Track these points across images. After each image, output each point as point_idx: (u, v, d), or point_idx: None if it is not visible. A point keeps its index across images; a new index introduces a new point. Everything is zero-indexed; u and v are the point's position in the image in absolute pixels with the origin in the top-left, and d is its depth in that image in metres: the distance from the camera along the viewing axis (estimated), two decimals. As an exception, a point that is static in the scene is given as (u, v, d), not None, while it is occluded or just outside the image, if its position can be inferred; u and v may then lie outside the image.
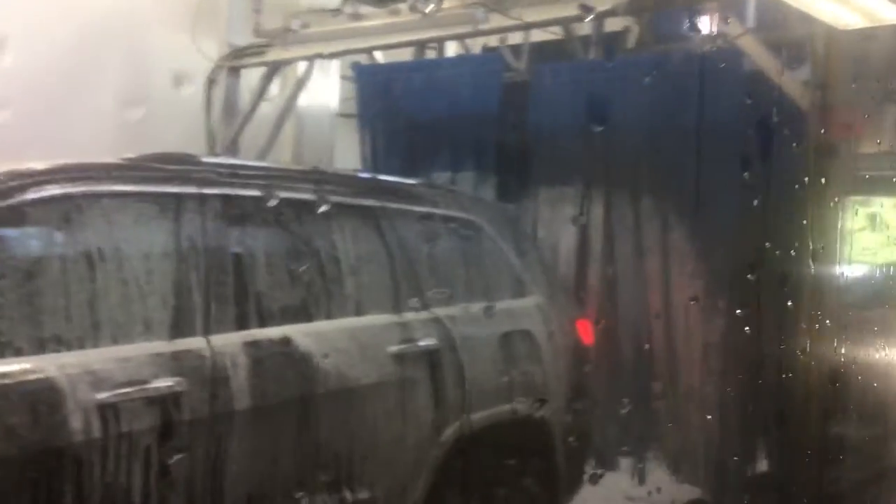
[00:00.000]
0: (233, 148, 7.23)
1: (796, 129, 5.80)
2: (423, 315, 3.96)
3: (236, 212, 3.46)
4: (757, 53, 5.88)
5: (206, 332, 3.27)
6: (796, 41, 5.88)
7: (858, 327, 5.86)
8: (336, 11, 7.09)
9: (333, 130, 7.78)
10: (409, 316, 3.90)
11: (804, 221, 5.66)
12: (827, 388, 5.55)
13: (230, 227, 3.42)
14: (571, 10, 6.13)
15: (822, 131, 5.62)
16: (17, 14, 6.17)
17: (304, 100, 7.43)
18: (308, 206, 3.70)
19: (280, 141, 7.45)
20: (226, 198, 3.44)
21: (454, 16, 6.41)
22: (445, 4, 6.44)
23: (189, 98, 7.21)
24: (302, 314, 3.56)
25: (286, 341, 3.43)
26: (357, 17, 6.91)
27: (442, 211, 4.27)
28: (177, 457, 3.11)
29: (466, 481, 4.04)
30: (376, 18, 6.80)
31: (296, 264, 3.58)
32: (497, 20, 6.27)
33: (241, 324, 3.37)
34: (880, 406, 5.84)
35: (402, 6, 6.66)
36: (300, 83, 7.30)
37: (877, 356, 5.83)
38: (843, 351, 5.61)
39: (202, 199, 3.37)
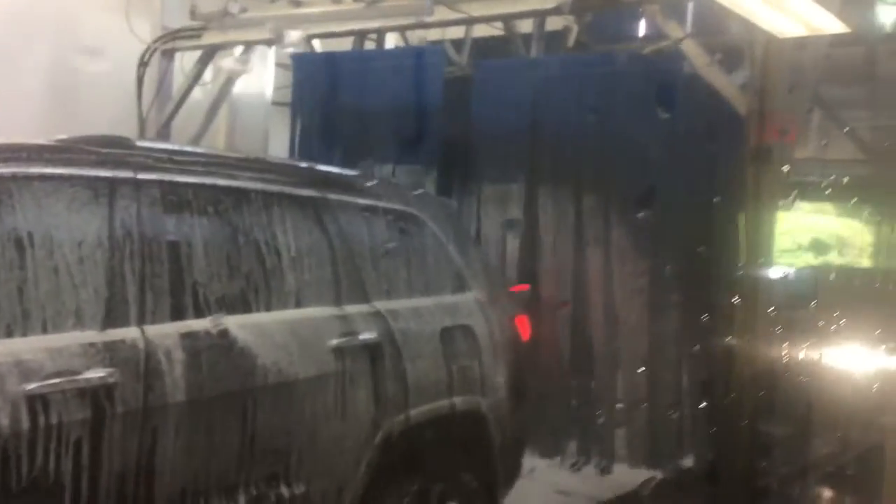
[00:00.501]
0: (164, 133, 7.07)
1: (734, 132, 5.88)
2: (364, 308, 3.87)
3: (172, 198, 3.32)
4: (697, 57, 5.93)
5: (141, 322, 3.14)
6: (735, 46, 5.95)
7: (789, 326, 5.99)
8: (274, -6, 6.95)
9: (267, 119, 7.64)
10: (350, 309, 3.81)
11: (741, 223, 5.74)
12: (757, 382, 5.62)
13: (166, 215, 3.28)
14: (518, 7, 6.18)
15: (759, 135, 5.68)
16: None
17: (239, 87, 7.28)
18: (247, 195, 3.58)
19: (213, 128, 7.30)
20: (162, 184, 3.30)
21: (399, 6, 6.34)
22: None
23: (121, 81, 6.98)
24: (240, 305, 3.44)
25: (223, 332, 3.32)
26: (298, 3, 6.78)
27: (384, 204, 4.18)
28: (109, 449, 2.98)
29: (405, 476, 3.98)
30: (318, 5, 6.68)
31: (234, 254, 3.46)
32: (442, 13, 6.23)
33: (177, 314, 3.24)
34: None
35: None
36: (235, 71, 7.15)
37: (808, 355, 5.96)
38: (775, 349, 5.73)
39: (137, 184, 3.23)
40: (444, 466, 4.17)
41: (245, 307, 3.46)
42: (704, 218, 6.51)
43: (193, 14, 7.03)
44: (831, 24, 4.77)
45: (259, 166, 3.74)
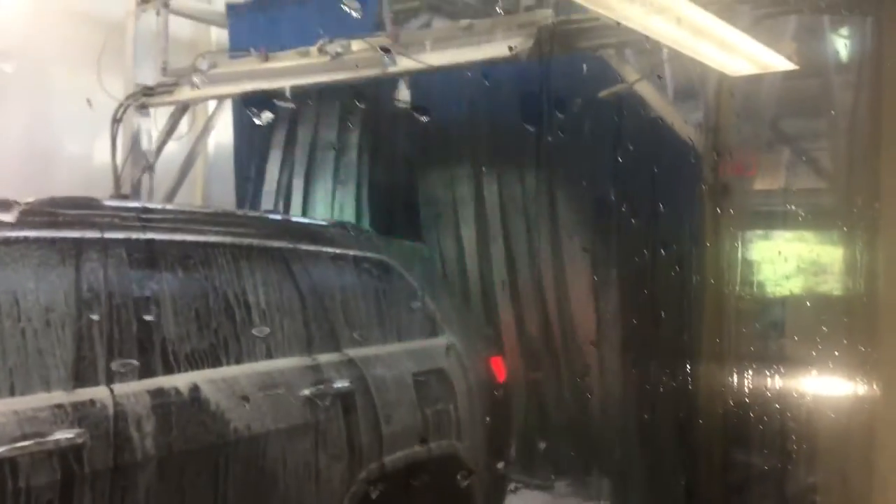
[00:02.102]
0: (138, 187, 6.98)
1: (692, 170, 5.88)
2: (336, 357, 3.80)
3: (140, 256, 3.25)
4: (652, 98, 5.95)
5: (109, 381, 3.05)
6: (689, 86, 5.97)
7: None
8: (245, 51, 6.93)
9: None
10: (322, 358, 3.74)
11: (703, 257, 5.72)
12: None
13: (134, 273, 3.22)
14: (477, 55, 6.17)
15: (717, 172, 5.69)
16: None
17: (214, 139, 7.22)
18: (215, 249, 3.51)
19: (190, 181, 7.24)
20: (129, 242, 3.23)
21: (363, 59, 6.34)
22: (354, 48, 6.38)
23: (95, 136, 6.90)
24: (210, 360, 3.35)
25: (193, 388, 3.23)
26: (265, 58, 6.76)
27: (353, 252, 4.12)
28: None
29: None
30: (285, 59, 6.66)
31: (203, 309, 3.38)
32: (404, 63, 6.24)
33: (146, 371, 3.15)
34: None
35: (312, 48, 6.56)
36: (208, 123, 7.10)
37: (776, 388, 5.89)
38: (742, 381, 5.67)
39: (104, 244, 3.16)
40: (423, 509, 4.08)
41: (215, 362, 3.37)
42: (672, 254, 6.50)
43: (165, 70, 6.98)
44: (779, 63, 4.79)
45: (227, 220, 3.68)
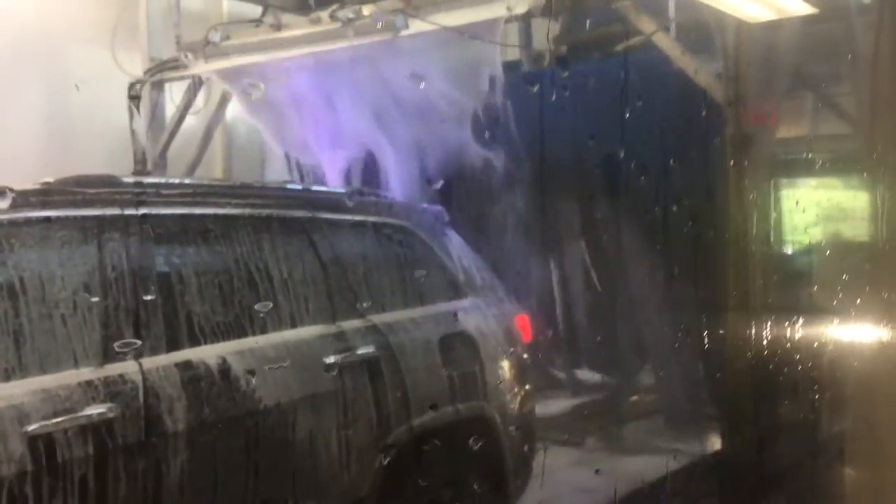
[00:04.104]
0: (161, 163, 7.01)
1: (713, 121, 5.81)
2: (359, 323, 3.81)
3: (161, 231, 3.27)
4: (670, 50, 5.86)
5: (138, 355, 3.08)
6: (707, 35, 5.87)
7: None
8: (257, 21, 6.89)
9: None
10: (345, 325, 3.75)
11: (728, 208, 5.66)
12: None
13: (156, 248, 3.23)
14: (490, 13, 6.11)
15: (737, 122, 5.61)
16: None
17: (233, 111, 7.21)
18: (236, 221, 3.52)
19: (210, 154, 7.25)
20: (150, 218, 3.24)
21: (374, 24, 6.29)
22: (365, 12, 6.33)
23: (112, 114, 6.92)
24: (234, 331, 3.37)
25: (219, 360, 3.26)
26: (277, 27, 6.72)
27: (373, 218, 4.12)
28: (114, 483, 2.93)
29: (414, 486, 3.91)
30: (297, 28, 6.61)
31: (226, 281, 3.40)
32: (417, 26, 6.18)
33: (172, 345, 3.18)
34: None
35: (324, 14, 6.51)
36: (225, 95, 7.09)
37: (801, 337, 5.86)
38: (767, 331, 5.64)
39: (125, 220, 3.18)
40: (454, 473, 4.10)
41: (240, 332, 3.39)
42: (695, 206, 6.47)
43: (179, 44, 6.96)
44: (798, 6, 4.70)
45: (246, 192, 3.68)
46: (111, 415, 2.95)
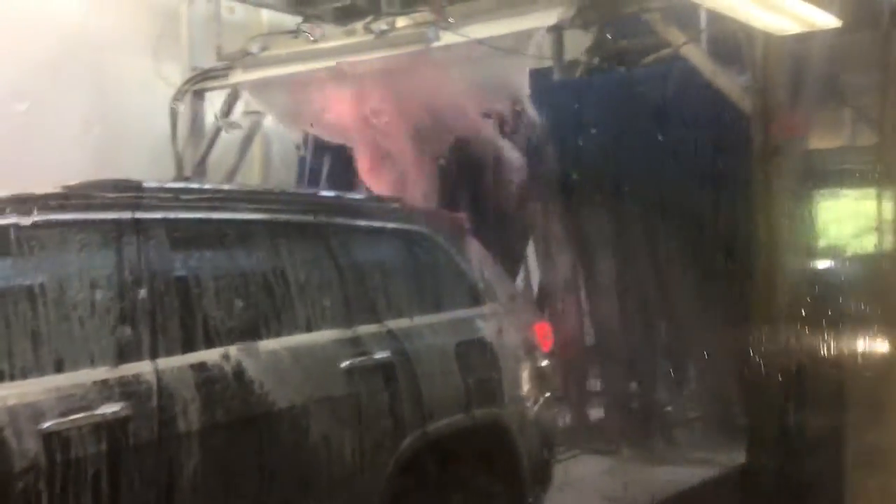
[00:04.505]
0: (200, 170, 7.06)
1: (742, 132, 5.69)
2: (375, 329, 3.76)
3: (179, 235, 3.25)
4: (700, 61, 5.76)
5: (153, 356, 3.07)
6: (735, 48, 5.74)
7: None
8: (295, 32, 6.92)
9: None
10: (361, 330, 3.71)
11: (756, 218, 5.53)
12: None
13: (174, 251, 3.22)
14: (521, 25, 6.05)
15: (767, 133, 5.49)
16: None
17: (271, 119, 7.24)
18: (253, 226, 3.50)
19: (248, 160, 7.29)
20: (168, 222, 3.23)
21: (408, 35, 6.28)
22: (399, 24, 6.32)
23: (155, 122, 6.98)
24: (249, 334, 3.35)
25: (234, 362, 3.23)
26: (316, 38, 6.73)
27: (392, 224, 4.08)
28: (126, 482, 2.91)
29: (429, 491, 3.86)
30: (333, 39, 6.63)
31: (242, 284, 3.38)
32: (448, 37, 6.15)
33: (188, 346, 3.16)
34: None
35: (358, 26, 6.51)
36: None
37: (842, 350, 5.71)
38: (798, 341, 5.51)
39: (145, 224, 3.17)
40: (470, 479, 4.04)
41: (254, 335, 3.37)
42: (728, 218, 6.35)
43: (219, 54, 7.00)
44: (824, 19, 4.60)
45: (263, 197, 3.67)
46: (125, 413, 2.93)
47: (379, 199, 4.18)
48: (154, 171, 6.58)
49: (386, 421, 3.65)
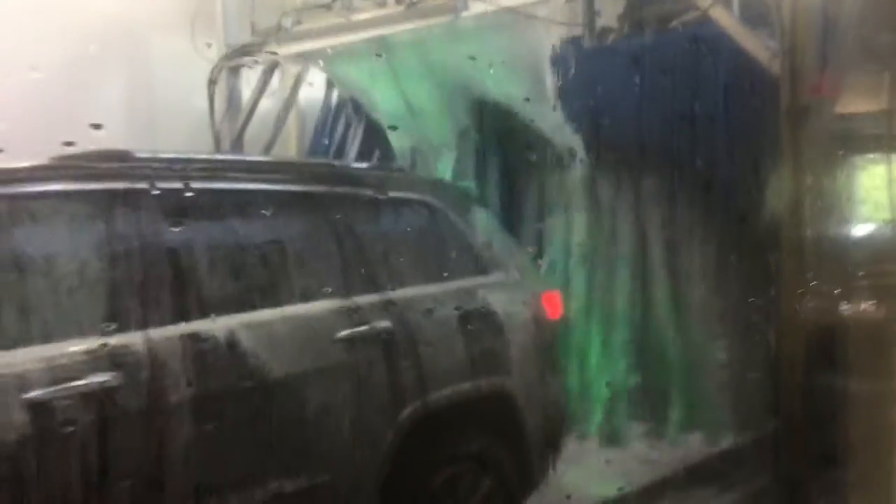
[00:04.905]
0: (238, 145, 7.00)
1: (770, 93, 5.41)
2: (375, 298, 3.62)
3: (172, 205, 3.16)
4: (727, 22, 5.48)
5: (144, 326, 2.99)
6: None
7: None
8: (328, 6, 6.80)
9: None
10: (361, 300, 3.57)
11: (787, 183, 5.25)
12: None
13: (166, 221, 3.12)
14: None
15: (795, 95, 5.20)
16: (16, 24, 5.91)
17: (305, 93, 7.15)
18: (250, 196, 3.39)
19: (285, 135, 7.21)
20: (161, 191, 3.14)
21: (438, 5, 6.14)
22: None
23: (192, 98, 6.94)
24: (244, 304, 3.25)
25: (227, 332, 3.13)
26: (348, 10, 6.61)
27: (395, 194, 3.92)
28: (115, 452, 2.85)
29: (432, 459, 3.73)
30: (364, 11, 6.49)
31: (237, 255, 3.28)
32: (477, 6, 5.98)
33: (181, 316, 3.07)
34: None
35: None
36: (298, 78, 7.02)
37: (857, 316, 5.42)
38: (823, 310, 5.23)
39: (136, 194, 3.08)
40: (474, 448, 3.90)
41: (249, 306, 3.27)
42: (757, 181, 6.07)
43: (254, 30, 6.91)
44: None
45: (262, 167, 3.55)
46: (114, 383, 2.86)
47: (382, 168, 4.02)
48: (193, 146, 6.55)
49: (385, 391, 3.53)
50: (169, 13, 6.75)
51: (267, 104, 7.10)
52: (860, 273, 5.79)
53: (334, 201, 3.65)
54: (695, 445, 5.85)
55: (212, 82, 6.93)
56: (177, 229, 3.13)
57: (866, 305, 5.51)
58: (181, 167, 3.27)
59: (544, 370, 4.13)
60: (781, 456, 5.18)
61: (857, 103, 6.16)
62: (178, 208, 3.17)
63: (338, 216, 3.59)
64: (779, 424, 5.29)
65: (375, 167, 4.01)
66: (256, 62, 6.95)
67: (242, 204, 3.37)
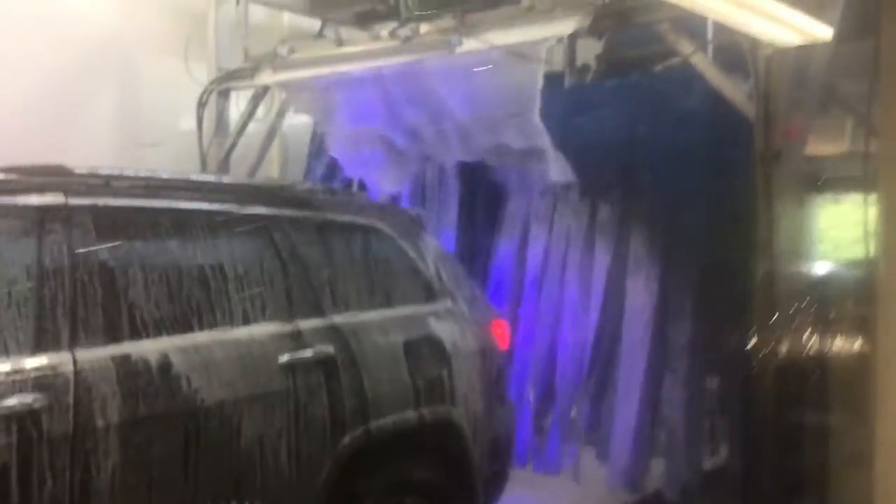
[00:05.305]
0: (224, 167, 6.91)
1: (746, 138, 5.34)
2: (319, 323, 3.48)
3: (107, 223, 3.03)
4: (707, 69, 5.45)
5: (72, 346, 2.84)
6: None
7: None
8: (319, 36, 6.74)
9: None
10: (303, 325, 3.43)
11: (758, 222, 5.16)
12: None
13: (100, 239, 2.99)
14: (539, 34, 5.77)
15: (768, 139, 5.13)
16: (9, 43, 5.85)
17: (289, 119, 7.07)
18: (189, 216, 3.25)
19: (268, 159, 7.12)
20: (96, 209, 3.02)
21: (432, 41, 6.08)
22: (422, 30, 6.11)
23: (181, 120, 6.86)
24: (180, 327, 3.11)
25: (160, 355, 3.00)
26: (340, 42, 6.54)
27: (343, 218, 3.79)
28: (38, 476, 2.70)
29: (373, 489, 3.57)
30: (358, 44, 6.42)
31: (174, 276, 3.14)
32: (469, 44, 5.91)
33: (111, 338, 2.93)
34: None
35: (383, 32, 6.31)
36: (284, 105, 6.94)
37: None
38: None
39: (69, 210, 2.95)
40: (418, 478, 3.74)
41: (185, 328, 3.12)
42: (728, 220, 5.97)
43: (247, 56, 6.84)
44: (824, 32, 4.35)
45: (204, 186, 3.41)
46: (38, 405, 2.71)
47: (331, 191, 3.89)
48: (180, 167, 6.43)
49: (325, 418, 3.38)
50: (161, 37, 6.69)
51: (254, 128, 7.00)
52: (829, 309, 5.75)
53: (278, 223, 3.51)
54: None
55: (201, 105, 6.85)
56: (110, 248, 2.98)
57: (835, 340, 5.54)
58: (119, 184, 3.14)
59: (491, 400, 3.97)
60: (753, 484, 5.10)
61: (822, 146, 6.14)
62: (112, 226, 3.04)
63: (281, 239, 3.45)
64: (750, 454, 5.26)
65: (323, 190, 3.87)
66: (248, 87, 6.86)
67: (181, 224, 3.23)
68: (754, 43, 4.99)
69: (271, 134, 7.02)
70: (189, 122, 6.81)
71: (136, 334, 2.99)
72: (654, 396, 5.95)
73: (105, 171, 3.16)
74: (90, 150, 5.95)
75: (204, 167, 6.83)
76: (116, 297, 2.97)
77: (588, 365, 6.02)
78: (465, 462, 3.84)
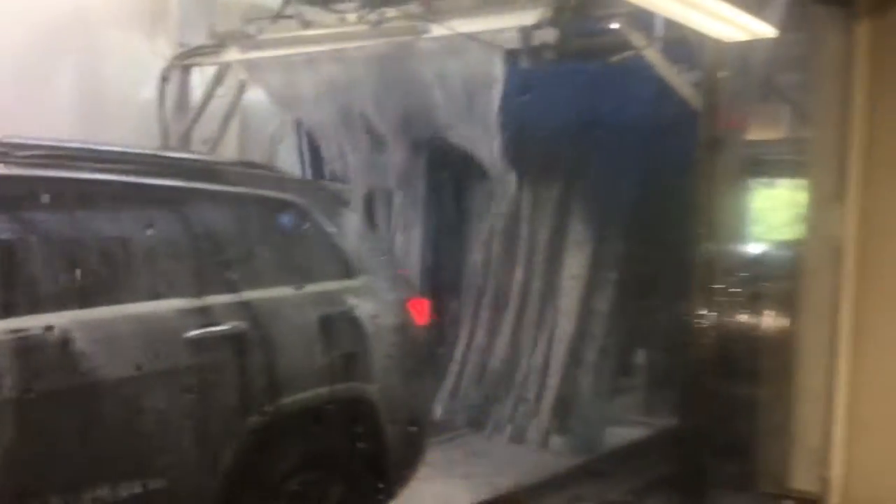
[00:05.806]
0: (184, 141, 6.74)
1: (692, 126, 5.28)
2: (229, 299, 3.32)
3: (5, 193, 2.85)
4: (658, 62, 5.37)
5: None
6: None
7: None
8: (280, 14, 6.53)
9: (278, 125, 7.21)
10: (213, 300, 3.26)
11: (701, 205, 5.16)
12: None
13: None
14: (502, 23, 5.78)
15: (712, 127, 5.13)
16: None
17: (249, 97, 6.89)
18: (93, 187, 3.06)
19: (228, 135, 6.95)
20: (-8, 178, 2.83)
21: (400, 27, 5.94)
22: (389, 15, 5.96)
23: (143, 94, 6.66)
24: (81, 301, 2.92)
25: (60, 330, 2.80)
26: (307, 23, 6.37)
27: (256, 192, 3.61)
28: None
29: (283, 465, 3.43)
30: (326, 26, 6.25)
31: (74, 248, 2.97)
32: (436, 30, 5.81)
33: (7, 312, 2.73)
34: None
35: (351, 16, 6.14)
36: (245, 82, 6.76)
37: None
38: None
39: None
40: (328, 455, 3.60)
41: (86, 302, 2.94)
42: (673, 205, 5.95)
43: (213, 33, 6.65)
44: (767, 30, 4.39)
45: (111, 157, 3.21)
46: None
47: (248, 165, 3.71)
48: (140, 141, 6.25)
49: (233, 394, 3.23)
50: (125, 10, 6.49)
51: (215, 104, 6.82)
52: (762, 285, 5.95)
53: (189, 196, 3.34)
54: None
55: (164, 80, 6.67)
56: (9, 219, 2.81)
57: (766, 314, 5.72)
58: (20, 153, 2.96)
59: (408, 376, 3.83)
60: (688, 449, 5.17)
61: (760, 132, 6.14)
62: (10, 197, 2.86)
63: (192, 212, 3.28)
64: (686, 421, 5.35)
65: (240, 163, 3.69)
66: (212, 64, 6.68)
67: (86, 195, 3.05)
68: (701, 38, 4.92)
69: (231, 110, 6.84)
70: (151, 97, 6.62)
71: (33, 308, 2.81)
72: (576, 360, 6.16)
73: (6, 140, 2.97)
74: (50, 123, 5.75)
75: (165, 142, 6.66)
76: (13, 269, 2.79)
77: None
78: (379, 438, 3.70)
